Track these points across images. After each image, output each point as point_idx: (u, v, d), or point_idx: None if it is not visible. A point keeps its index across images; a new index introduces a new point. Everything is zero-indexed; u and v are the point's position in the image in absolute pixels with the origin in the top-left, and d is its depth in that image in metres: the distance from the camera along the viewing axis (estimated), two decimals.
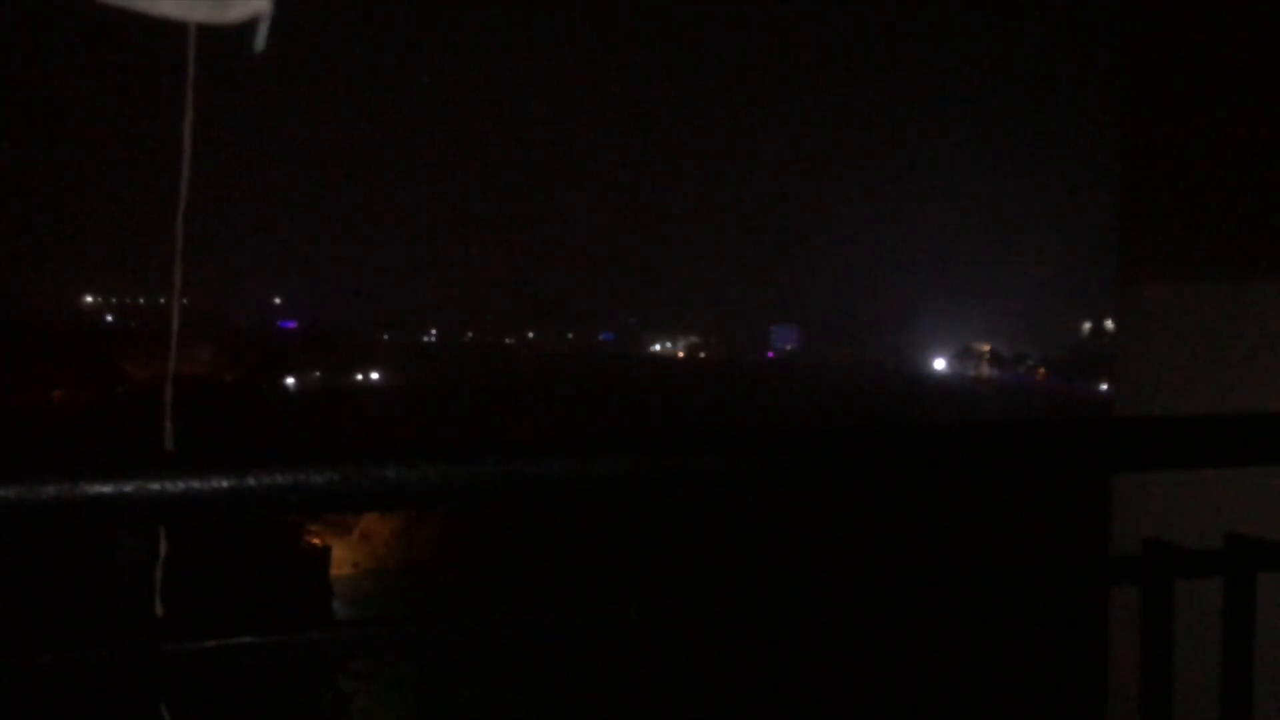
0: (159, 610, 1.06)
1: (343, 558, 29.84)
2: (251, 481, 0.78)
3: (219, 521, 0.83)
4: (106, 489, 0.75)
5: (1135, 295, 2.34)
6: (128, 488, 0.76)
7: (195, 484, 0.77)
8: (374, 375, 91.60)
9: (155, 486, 0.76)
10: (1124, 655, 2.11)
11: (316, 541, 27.83)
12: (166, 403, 1.24)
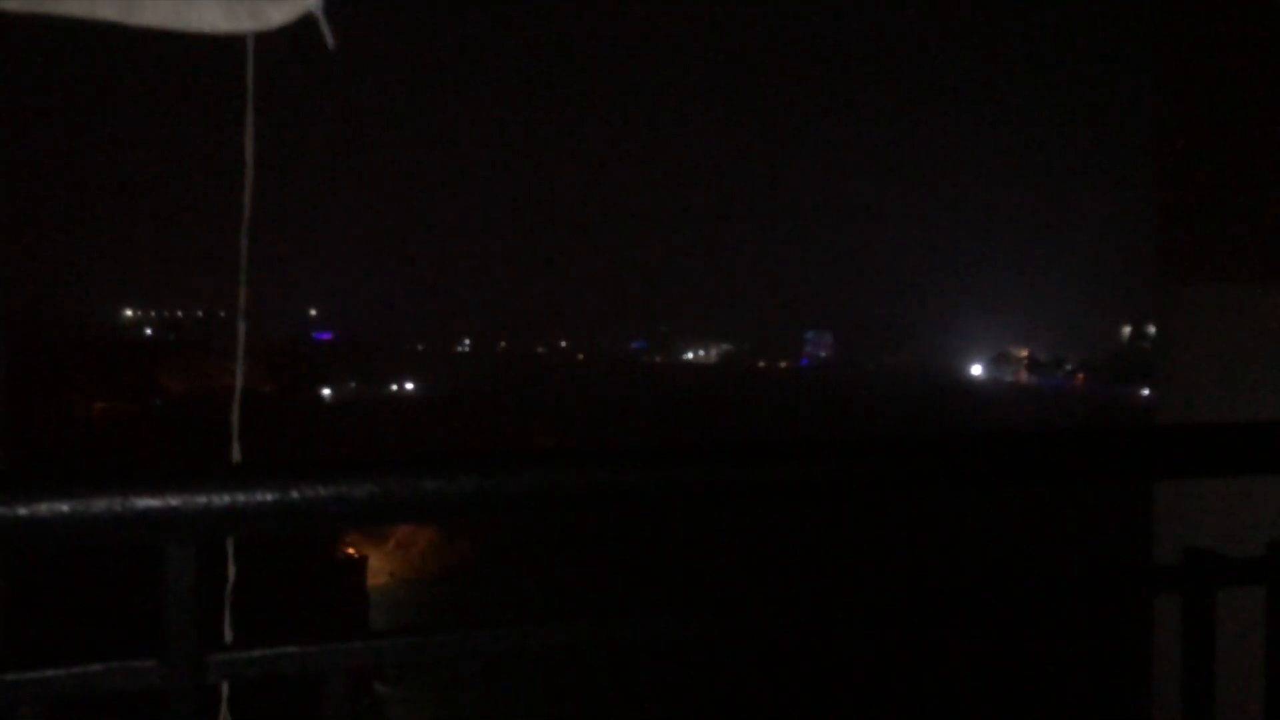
0: (229, 629, 1.09)
1: (379, 567, 30.02)
2: (295, 495, 0.80)
3: (263, 534, 0.84)
4: (155, 503, 0.77)
5: (1174, 298, 2.31)
6: (175, 502, 0.77)
7: (241, 497, 0.79)
8: (409, 385, 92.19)
9: (202, 500, 0.78)
10: (1168, 663, 2.09)
11: (352, 551, 28.03)
12: (234, 421, 1.27)
